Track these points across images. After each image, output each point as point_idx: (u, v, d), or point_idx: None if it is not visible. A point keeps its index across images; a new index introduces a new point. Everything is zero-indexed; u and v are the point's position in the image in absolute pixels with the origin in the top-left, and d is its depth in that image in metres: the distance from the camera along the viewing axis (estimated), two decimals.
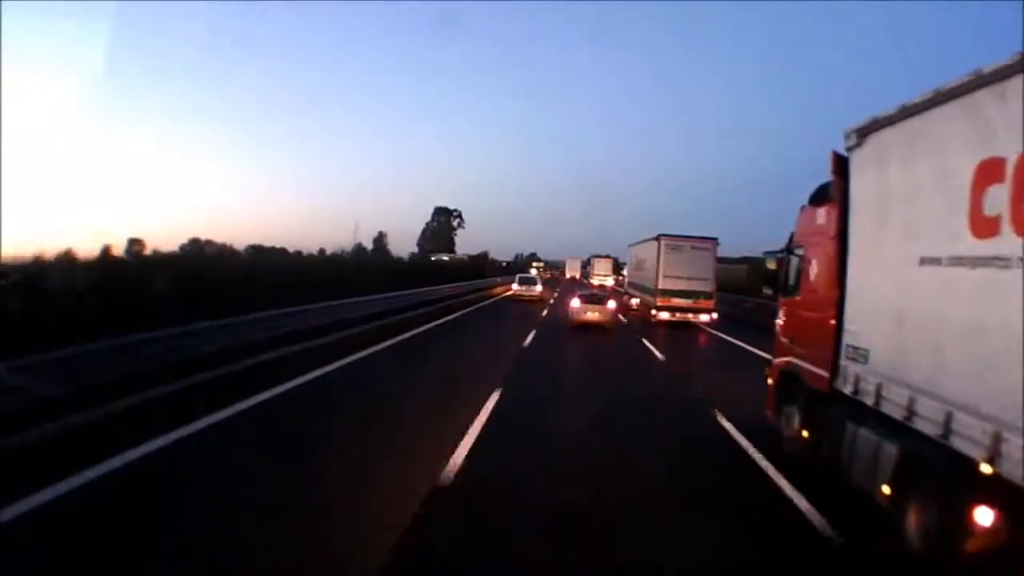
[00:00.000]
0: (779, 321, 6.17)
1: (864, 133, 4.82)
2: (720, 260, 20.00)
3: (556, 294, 34.46)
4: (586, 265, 68.72)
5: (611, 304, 18.12)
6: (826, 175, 5.40)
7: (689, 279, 18.67)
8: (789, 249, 6.16)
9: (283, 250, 29.19)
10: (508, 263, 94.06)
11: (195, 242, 24.60)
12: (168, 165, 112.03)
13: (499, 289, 38.11)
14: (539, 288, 30.95)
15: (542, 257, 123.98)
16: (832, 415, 4.94)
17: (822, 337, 5.10)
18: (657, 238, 19.17)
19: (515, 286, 31.36)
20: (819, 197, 5.53)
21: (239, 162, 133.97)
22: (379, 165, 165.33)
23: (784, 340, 5.97)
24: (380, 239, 77.54)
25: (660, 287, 18.71)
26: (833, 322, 4.92)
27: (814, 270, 5.47)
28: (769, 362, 6.52)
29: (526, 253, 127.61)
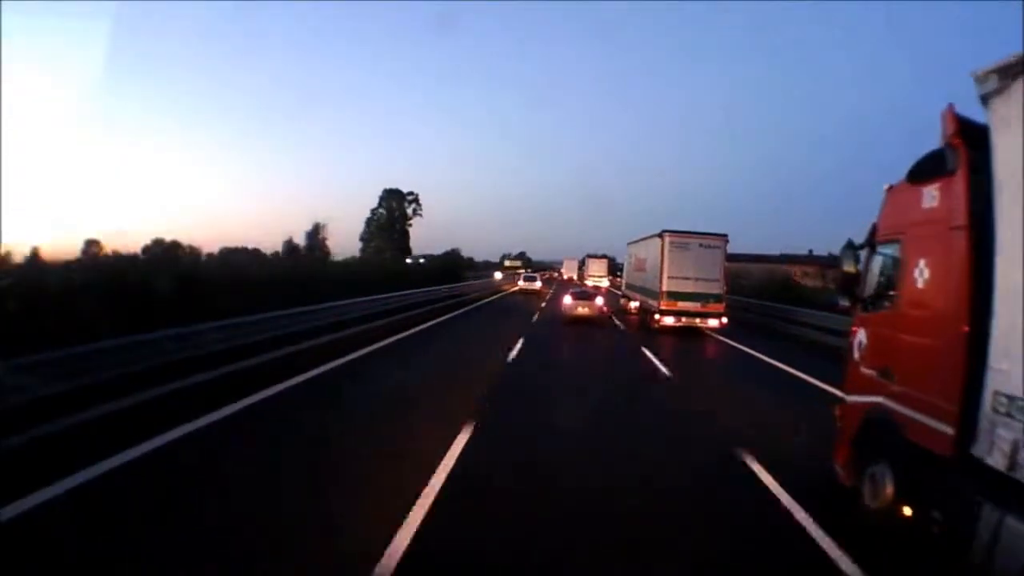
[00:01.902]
0: (857, 343, 4.51)
1: (1014, 73, 3.20)
2: (756, 258, 18.35)
3: (551, 291, 37.77)
4: (583, 266, 66.17)
5: (599, 300, 20.46)
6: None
7: (697, 280, 17.01)
8: (871, 244, 4.52)
9: (245, 250, 26.77)
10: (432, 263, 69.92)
11: (159, 243, 22.64)
12: (166, 164, 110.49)
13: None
14: (539, 284, 40.83)
15: (534, 257, 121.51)
16: (960, 490, 3.33)
17: (941, 375, 3.48)
18: (661, 234, 17.49)
19: (521, 282, 41.63)
20: (927, 170, 3.89)
21: (235, 161, 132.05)
22: (372, 163, 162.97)
23: (868, 372, 4.32)
24: (316, 232, 55.88)
25: (664, 289, 17.05)
26: (964, 354, 3.30)
27: (923, 274, 3.84)
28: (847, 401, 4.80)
29: (514, 252, 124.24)
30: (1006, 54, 3.23)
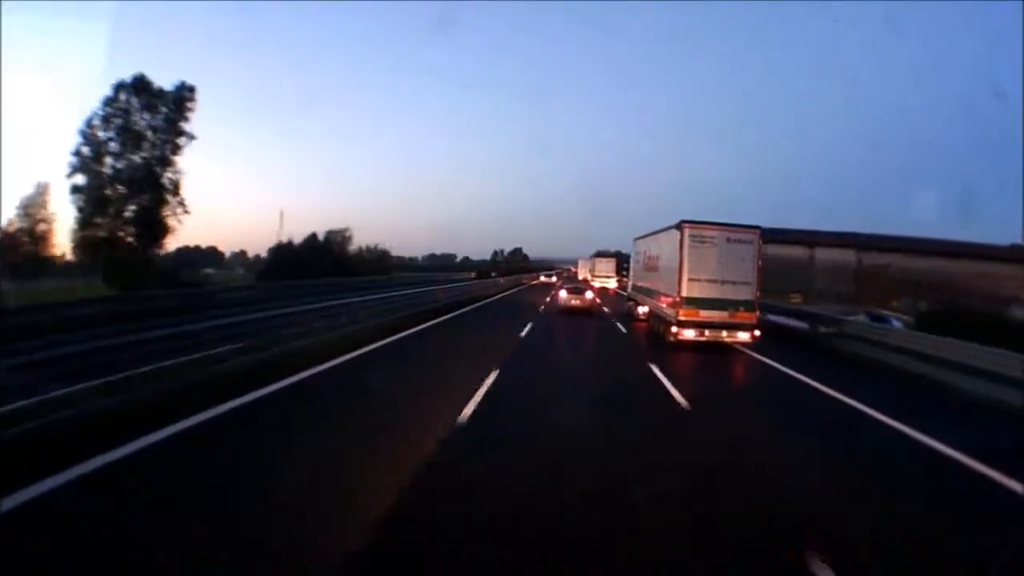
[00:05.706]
0: None
1: None
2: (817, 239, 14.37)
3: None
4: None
5: (589, 294, 24.09)
6: None
7: (724, 283, 13.40)
8: None
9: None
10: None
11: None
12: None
13: None
14: (555, 278, 54.47)
15: (531, 255, 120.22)
16: None
17: None
18: (678, 226, 13.88)
19: (542, 277, 58.37)
20: None
21: (232, 160, 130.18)
22: (371, 161, 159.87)
23: None
24: (33, 201, 27.74)
25: (684, 294, 13.47)
26: None
27: None
28: None
29: (508, 250, 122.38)
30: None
